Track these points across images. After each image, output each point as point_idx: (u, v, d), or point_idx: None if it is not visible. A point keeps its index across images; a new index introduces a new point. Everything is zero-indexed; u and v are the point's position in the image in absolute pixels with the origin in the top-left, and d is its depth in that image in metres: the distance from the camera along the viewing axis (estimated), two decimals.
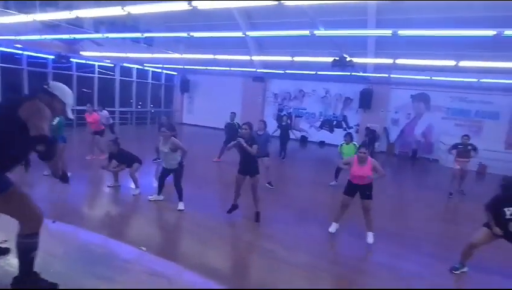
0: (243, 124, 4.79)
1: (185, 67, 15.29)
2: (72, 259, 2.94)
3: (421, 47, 9.70)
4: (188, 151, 5.09)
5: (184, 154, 5.07)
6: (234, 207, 4.91)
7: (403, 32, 5.51)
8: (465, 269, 3.74)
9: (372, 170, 4.27)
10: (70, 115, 2.39)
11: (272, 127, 14.33)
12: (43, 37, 9.34)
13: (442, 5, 8.31)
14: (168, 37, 10.99)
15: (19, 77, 11.32)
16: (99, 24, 11.59)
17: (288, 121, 10.54)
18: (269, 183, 6.68)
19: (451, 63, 7.97)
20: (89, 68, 13.58)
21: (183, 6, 4.80)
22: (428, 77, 11.00)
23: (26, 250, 2.15)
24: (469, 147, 7.04)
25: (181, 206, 5.13)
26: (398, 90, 12.99)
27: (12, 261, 2.58)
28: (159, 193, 5.38)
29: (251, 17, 11.25)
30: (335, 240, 4.47)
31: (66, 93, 2.33)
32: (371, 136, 12.20)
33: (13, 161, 2.08)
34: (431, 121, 12.67)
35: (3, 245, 2.70)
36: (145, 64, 15.27)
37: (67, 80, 12.73)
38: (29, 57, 11.44)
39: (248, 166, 4.70)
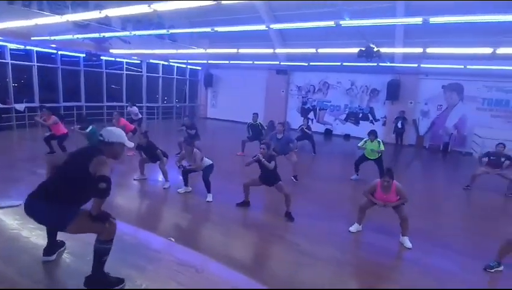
0: (261, 143, 4.94)
1: (209, 62, 15.46)
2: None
3: (454, 34, 9.19)
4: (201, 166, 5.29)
5: (198, 168, 5.29)
6: (245, 203, 5.06)
7: (434, 19, 5.22)
8: (500, 268, 3.57)
9: (397, 195, 4.07)
10: (129, 144, 2.72)
11: (294, 119, 14.26)
12: (75, 36, 9.79)
13: None
14: (192, 32, 11.13)
15: (54, 75, 11.96)
16: (126, 22, 11.98)
17: (311, 128, 10.20)
18: (295, 177, 6.68)
19: (487, 50, 7.47)
20: (118, 65, 14.08)
21: (208, 2, 4.86)
22: (462, 66, 10.40)
23: (101, 254, 2.47)
24: (502, 159, 6.39)
25: (209, 198, 5.32)
26: (428, 81, 12.40)
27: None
28: (186, 185, 5.56)
29: (274, 10, 11.13)
30: (362, 235, 4.39)
31: (119, 135, 2.63)
32: (402, 122, 11.83)
33: (81, 200, 2.49)
34: (464, 112, 12.00)
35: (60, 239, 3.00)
36: (170, 60, 15.59)
37: (97, 77, 13.32)
38: (62, 56, 12.02)
39: (268, 178, 4.83)
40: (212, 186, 5.34)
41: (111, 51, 12.57)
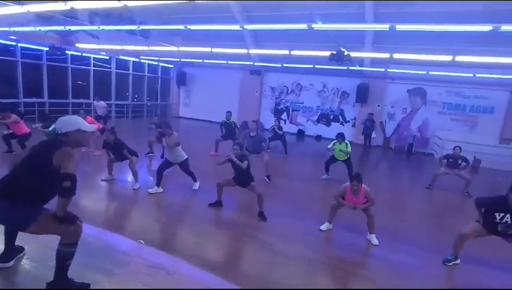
0: (234, 144, 4.94)
1: (182, 60, 15.19)
2: None
3: (418, 41, 9.69)
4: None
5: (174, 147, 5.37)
6: (217, 203, 5.02)
7: (400, 26, 5.51)
8: (457, 261, 3.84)
9: (365, 197, 4.25)
10: (88, 128, 2.56)
11: (268, 120, 14.37)
12: (37, 28, 9.21)
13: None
14: (165, 29, 10.88)
15: (13, 69, 11.18)
16: (94, 16, 11.45)
17: (282, 128, 10.39)
18: (267, 176, 6.74)
19: (447, 58, 8.00)
20: (85, 60, 13.44)
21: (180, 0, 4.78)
22: (425, 72, 11.04)
23: (65, 258, 2.33)
24: (459, 161, 6.93)
25: (196, 186, 5.51)
26: (395, 85, 13.03)
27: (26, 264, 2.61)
28: (158, 185, 5.43)
29: (248, 10, 11.15)
30: (332, 234, 4.52)
31: (74, 123, 2.45)
32: (370, 124, 12.34)
33: (45, 197, 2.33)
34: (427, 115, 12.75)
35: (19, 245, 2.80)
36: (141, 57, 15.13)
37: (62, 72, 12.62)
38: (23, 48, 11.27)
39: (241, 178, 4.83)
40: (184, 186, 5.27)
41: (77, 45, 11.96)
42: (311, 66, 12.32)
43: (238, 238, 4.22)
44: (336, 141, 7.09)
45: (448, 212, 6.24)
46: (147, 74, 16.32)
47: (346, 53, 8.19)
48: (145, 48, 11.96)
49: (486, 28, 4.97)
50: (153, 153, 8.12)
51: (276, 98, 15.55)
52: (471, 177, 7.16)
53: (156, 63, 16.48)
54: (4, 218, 2.29)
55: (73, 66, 12.90)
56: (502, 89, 11.36)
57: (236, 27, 7.96)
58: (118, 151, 5.71)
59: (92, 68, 13.67)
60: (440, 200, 6.89)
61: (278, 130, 9.91)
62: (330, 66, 10.56)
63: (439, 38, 9.22)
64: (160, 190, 5.46)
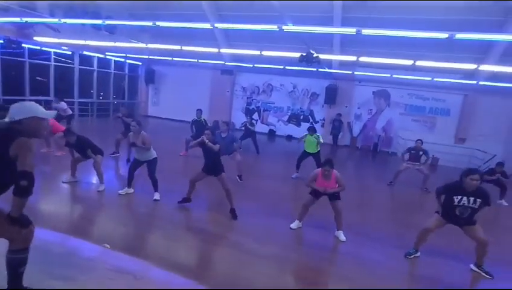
0: (205, 130, 4.85)
1: (150, 57, 14.74)
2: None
3: (383, 46, 10.18)
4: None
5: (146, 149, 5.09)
6: (186, 200, 4.96)
7: (366, 31, 5.74)
8: (418, 254, 4.09)
9: (336, 182, 4.39)
10: (46, 114, 2.29)
11: (239, 120, 14.36)
12: None
13: (402, 7, 8.77)
14: (132, 25, 10.50)
15: None
16: (55, 8, 10.79)
17: (255, 125, 10.49)
18: (239, 176, 6.74)
19: (409, 62, 8.47)
20: (44, 55, 12.60)
21: None
22: (389, 75, 11.60)
23: (16, 265, 2.16)
24: (420, 153, 7.48)
25: (157, 196, 5.14)
26: (361, 87, 13.57)
27: None
28: (129, 186, 5.24)
29: (220, 9, 11.07)
30: (301, 231, 4.62)
31: (29, 109, 2.18)
32: (338, 124, 12.74)
33: (3, 188, 2.11)
34: (391, 116, 13.42)
35: None
36: (107, 53, 14.48)
37: (18, 67, 11.76)
38: None
39: (212, 165, 4.76)
40: (151, 187, 5.13)
41: (35, 38, 11.20)
42: (282, 67, 12.50)
43: (208, 239, 4.18)
44: (307, 133, 7.31)
45: (409, 208, 6.62)
46: (113, 71, 15.65)
47: (315, 55, 8.40)
48: (111, 43, 11.45)
49: (443, 35, 5.31)
50: (118, 153, 7.77)
51: (247, 98, 15.59)
52: (429, 172, 7.68)
53: (122, 59, 15.85)
54: None
55: (31, 60, 12.06)
56: (457, 92, 12.23)
57: (207, 25, 7.86)
58: (82, 149, 5.40)
59: (53, 63, 12.86)
60: (401, 196, 7.29)
61: (249, 126, 9.94)
62: (300, 67, 10.78)
63: (402, 43, 9.73)
64: (131, 190, 5.29)
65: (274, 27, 5.99)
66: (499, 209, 6.86)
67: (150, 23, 6.89)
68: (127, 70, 16.60)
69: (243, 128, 10.14)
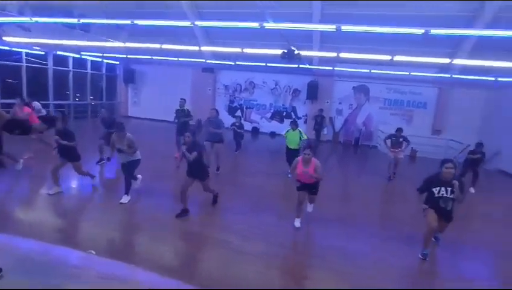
0: (186, 132, 4.83)
1: (129, 56, 14.38)
2: (10, 272, 2.66)
3: (362, 42, 10.38)
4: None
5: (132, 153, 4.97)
6: (184, 211, 4.74)
7: (345, 27, 5.83)
8: (426, 251, 4.04)
9: (315, 170, 4.49)
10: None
11: (224, 118, 14.26)
12: None
13: (379, 3, 8.98)
14: (109, 24, 10.20)
15: None
16: (25, 6, 10.32)
17: (242, 122, 10.56)
18: (217, 168, 6.85)
19: (387, 57, 8.66)
20: (15, 56, 12.02)
21: None
22: (368, 70, 11.85)
23: None
24: (401, 139, 7.85)
25: (125, 199, 4.97)
26: (342, 82, 13.79)
27: None
28: (127, 192, 5.08)
29: (199, 7, 10.94)
30: (288, 227, 4.67)
31: None
32: (320, 120, 12.90)
33: None
34: (370, 111, 13.73)
35: None
36: (82, 53, 14.00)
37: None
38: None
39: (196, 170, 4.71)
40: (139, 189, 5.03)
41: (4, 38, 10.67)
42: (264, 64, 12.50)
43: (195, 239, 4.15)
44: (289, 128, 7.36)
45: (392, 200, 6.82)
46: (89, 71, 15.15)
47: (296, 52, 8.45)
48: (87, 43, 11.08)
49: (419, 31, 5.47)
50: (104, 160, 7.24)
51: (230, 96, 15.52)
52: (403, 158, 8.10)
53: (99, 59, 15.37)
54: None
55: (1, 62, 11.48)
56: (432, 86, 12.66)
57: (187, 23, 7.73)
58: (66, 150, 5.09)
59: (25, 64, 12.29)
60: (384, 189, 7.50)
61: (237, 129, 9.94)
62: (282, 64, 10.82)
63: (380, 39, 9.95)
64: (128, 198, 5.09)
65: (255, 24, 5.97)
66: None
67: (127, 22, 6.71)
68: (104, 70, 16.12)
69: (232, 130, 10.09)
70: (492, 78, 10.01)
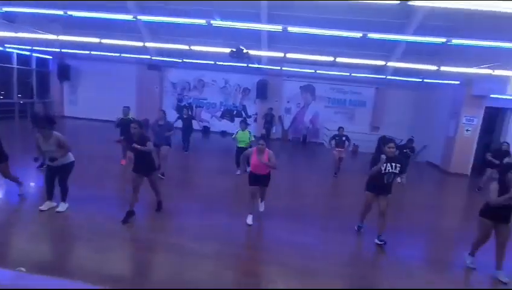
0: (132, 122, 4.53)
1: (63, 50, 13.10)
2: None
3: (307, 43, 10.83)
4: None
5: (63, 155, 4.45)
6: (130, 214, 4.45)
7: (291, 28, 6.02)
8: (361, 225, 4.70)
9: (269, 159, 4.62)
10: None
11: (172, 118, 13.80)
12: None
13: (322, 7, 9.46)
14: (39, 13, 9.17)
15: None
16: None
17: (190, 113, 10.35)
18: (162, 174, 6.50)
19: (330, 58, 9.17)
20: None
21: None
22: (313, 70, 12.41)
23: None
24: (343, 138, 8.35)
25: (62, 207, 4.56)
26: (289, 82, 14.26)
27: None
28: (50, 199, 4.60)
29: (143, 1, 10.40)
30: (240, 225, 4.69)
31: None
32: (270, 119, 13.18)
33: None
34: (317, 109, 14.43)
35: None
36: (6, 45, 12.41)
37: None
38: None
39: (144, 164, 4.48)
40: (75, 195, 4.61)
41: None
42: (213, 62, 12.36)
43: (145, 245, 3.96)
44: (239, 129, 7.43)
45: (337, 193, 7.24)
46: (16, 66, 13.51)
47: (245, 51, 8.50)
48: (11, 34, 9.84)
49: (358, 34, 5.88)
50: (45, 164, 6.50)
51: (178, 95, 15.06)
52: (345, 156, 8.65)
53: (28, 53, 13.78)
54: None
55: None
56: (370, 86, 13.74)
57: (129, 17, 7.29)
58: None
59: None
60: (331, 183, 7.93)
61: (185, 117, 9.70)
62: (231, 62, 10.81)
63: (324, 41, 10.50)
64: (54, 203, 4.63)
65: (202, 21, 5.86)
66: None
67: (60, 12, 6.12)
68: (34, 66, 14.52)
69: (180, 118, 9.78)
70: (420, 80, 11.20)
